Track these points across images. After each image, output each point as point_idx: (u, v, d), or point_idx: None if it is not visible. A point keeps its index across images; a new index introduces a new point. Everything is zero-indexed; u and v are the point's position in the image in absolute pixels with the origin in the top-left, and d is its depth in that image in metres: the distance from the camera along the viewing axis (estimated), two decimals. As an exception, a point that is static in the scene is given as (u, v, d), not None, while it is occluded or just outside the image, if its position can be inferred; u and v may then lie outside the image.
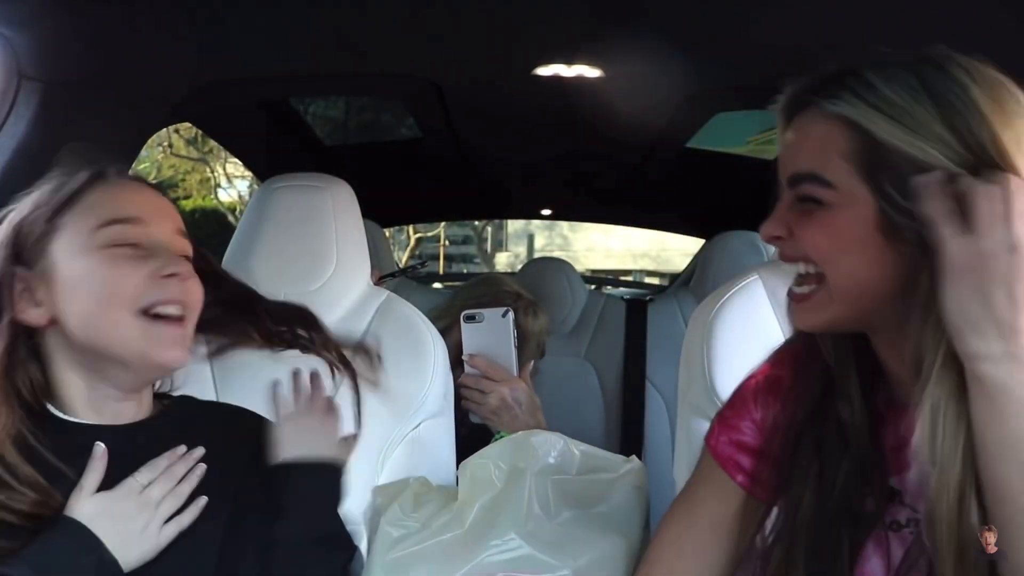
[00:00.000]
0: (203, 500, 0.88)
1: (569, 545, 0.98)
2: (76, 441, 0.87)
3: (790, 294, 0.77)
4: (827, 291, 0.72)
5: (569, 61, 1.49)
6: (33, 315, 0.86)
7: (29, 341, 0.88)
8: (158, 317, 0.87)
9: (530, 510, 0.99)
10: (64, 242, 0.86)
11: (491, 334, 1.34)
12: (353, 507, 1.14)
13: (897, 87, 0.67)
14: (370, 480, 1.20)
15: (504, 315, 1.34)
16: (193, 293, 0.91)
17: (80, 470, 0.84)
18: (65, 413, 0.89)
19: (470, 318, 1.34)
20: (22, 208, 0.89)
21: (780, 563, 0.77)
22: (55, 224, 0.87)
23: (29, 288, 0.86)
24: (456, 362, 1.36)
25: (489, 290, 1.73)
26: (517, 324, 1.49)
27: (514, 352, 1.35)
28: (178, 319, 0.88)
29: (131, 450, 0.89)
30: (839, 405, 0.77)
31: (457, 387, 1.35)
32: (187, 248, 0.93)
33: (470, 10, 1.24)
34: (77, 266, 0.85)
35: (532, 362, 1.42)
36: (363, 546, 1.09)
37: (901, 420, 0.74)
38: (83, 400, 0.89)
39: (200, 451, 0.91)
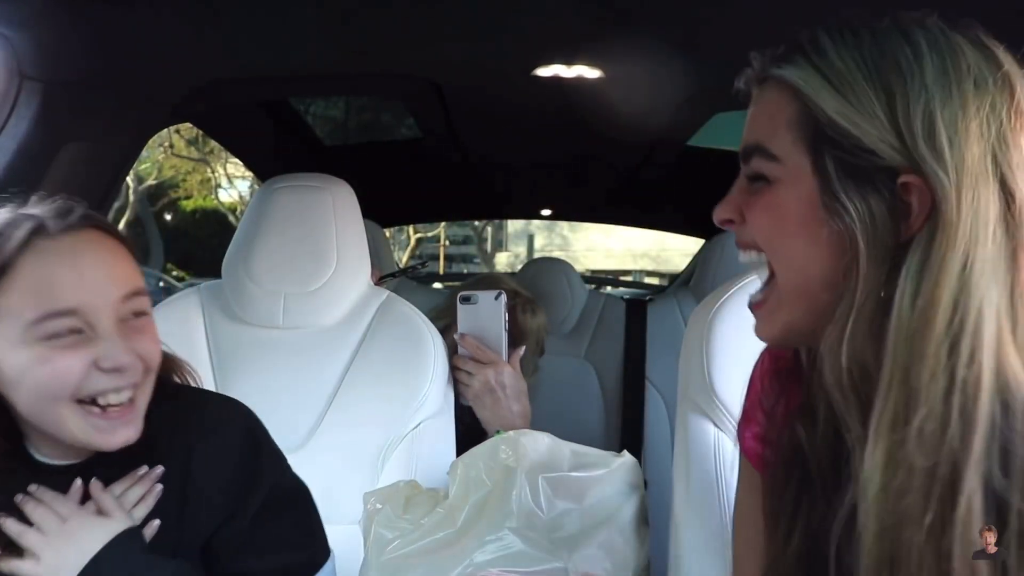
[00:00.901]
0: (156, 523, 0.85)
1: (562, 540, 0.98)
2: (52, 483, 0.84)
3: (750, 304, 0.71)
4: (776, 292, 0.66)
5: (569, 61, 1.49)
6: None
7: None
8: (101, 407, 0.82)
9: (522, 507, 0.99)
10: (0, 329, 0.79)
11: (483, 316, 1.38)
12: (352, 509, 1.14)
13: (846, 53, 0.60)
14: (370, 480, 1.20)
15: (496, 298, 1.37)
16: (149, 358, 0.85)
17: None
18: (39, 454, 0.87)
19: (465, 299, 1.38)
20: None
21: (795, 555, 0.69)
22: None
23: None
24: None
25: (487, 287, 1.73)
26: (515, 321, 1.50)
27: (504, 335, 1.38)
28: (127, 402, 0.83)
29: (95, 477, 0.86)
30: (797, 422, 0.69)
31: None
32: (143, 304, 0.86)
33: (470, 10, 1.24)
34: (13, 360, 0.79)
35: (523, 348, 1.44)
36: (360, 549, 1.09)
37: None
38: (55, 449, 0.86)
39: (159, 471, 0.87)
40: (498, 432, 1.31)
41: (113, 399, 0.82)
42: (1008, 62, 0.60)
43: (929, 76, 0.58)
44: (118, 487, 0.86)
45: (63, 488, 0.84)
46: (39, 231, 0.80)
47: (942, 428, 0.56)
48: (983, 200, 0.56)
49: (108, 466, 0.87)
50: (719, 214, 0.69)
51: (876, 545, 0.59)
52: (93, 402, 0.81)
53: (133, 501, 0.85)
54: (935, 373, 0.56)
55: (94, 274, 0.82)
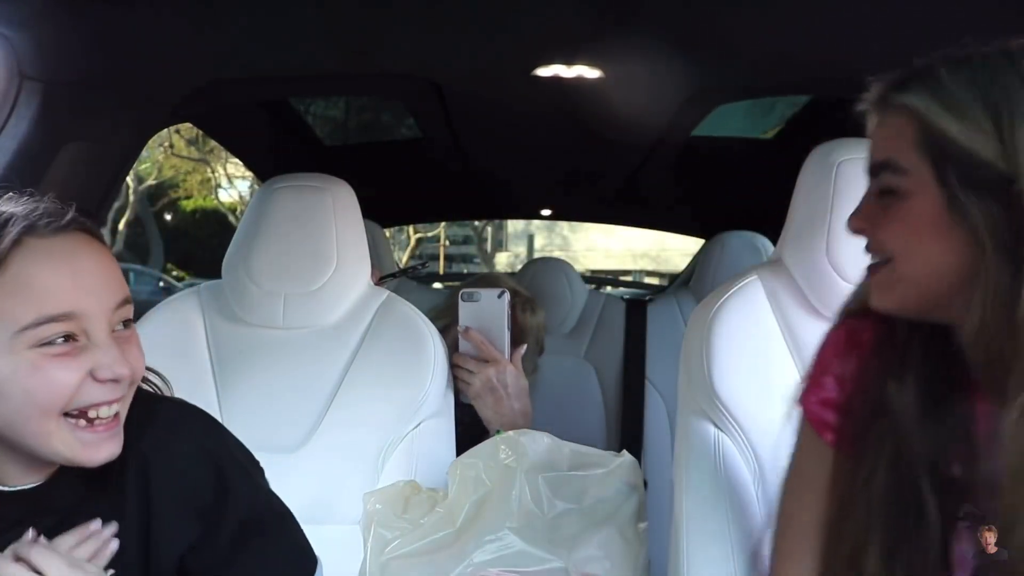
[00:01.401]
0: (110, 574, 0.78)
1: (562, 539, 0.98)
2: (13, 510, 0.78)
3: (868, 267, 0.80)
4: (896, 274, 0.75)
5: (569, 61, 1.49)
6: None
7: None
8: (89, 420, 0.76)
9: (522, 506, 1.00)
10: None
11: (486, 314, 1.37)
12: (352, 509, 1.14)
13: (961, 81, 0.70)
14: (370, 480, 1.20)
15: (500, 296, 1.37)
16: (137, 369, 0.80)
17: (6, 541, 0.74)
18: None
19: (468, 297, 1.38)
20: None
21: (856, 533, 0.77)
22: None
23: None
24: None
25: (487, 287, 1.74)
26: (515, 320, 1.50)
27: (507, 334, 1.37)
28: (113, 416, 0.78)
29: (52, 504, 0.80)
30: (889, 384, 0.78)
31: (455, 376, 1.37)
32: (130, 313, 0.81)
33: (470, 10, 1.24)
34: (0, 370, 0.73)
35: (524, 346, 1.44)
36: (360, 549, 1.09)
37: (987, 414, 0.75)
38: (15, 470, 0.79)
39: (113, 528, 0.79)
40: (498, 432, 1.32)
41: (103, 412, 0.77)
42: None
43: None
44: (67, 539, 0.76)
45: (13, 519, 0.77)
46: (30, 230, 0.75)
47: None
48: None
49: (62, 490, 0.81)
50: (854, 225, 0.79)
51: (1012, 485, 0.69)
52: (81, 415, 0.76)
53: (84, 558, 0.76)
54: None
55: (90, 279, 0.77)
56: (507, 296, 1.38)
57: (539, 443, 1.08)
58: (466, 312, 1.38)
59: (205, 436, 0.89)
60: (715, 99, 1.79)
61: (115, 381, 0.76)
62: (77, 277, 0.76)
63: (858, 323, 0.86)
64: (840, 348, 0.86)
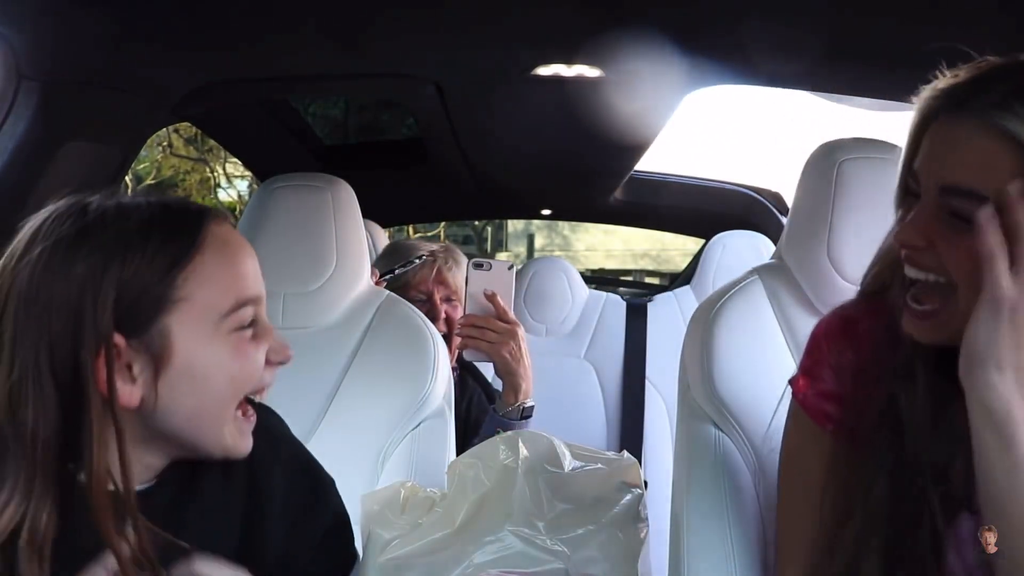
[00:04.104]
0: None
1: (562, 540, 0.98)
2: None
3: (911, 310, 0.74)
4: (955, 309, 0.70)
5: (569, 61, 1.49)
6: (124, 394, 0.70)
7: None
8: (245, 408, 0.77)
9: (522, 507, 0.99)
10: (186, 320, 0.71)
11: (495, 283, 1.41)
12: (352, 508, 1.14)
13: None
14: (370, 480, 1.20)
15: (509, 268, 1.43)
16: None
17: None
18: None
19: (478, 266, 1.42)
20: (124, 246, 0.69)
21: (854, 541, 0.76)
22: (175, 293, 0.70)
23: (122, 361, 0.70)
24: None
25: (400, 253, 1.74)
26: (441, 279, 1.64)
27: (512, 302, 1.43)
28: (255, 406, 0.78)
29: (155, 506, 0.76)
30: (897, 386, 0.76)
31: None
32: None
33: (470, 10, 1.24)
34: (202, 354, 0.72)
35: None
36: (359, 549, 1.09)
37: None
38: (119, 471, 0.72)
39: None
40: (518, 420, 1.38)
41: (259, 398, 0.78)
42: None
43: None
44: (223, 570, 0.73)
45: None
46: (213, 217, 0.76)
47: None
48: None
49: (165, 491, 0.77)
50: (907, 238, 0.72)
51: None
52: (247, 401, 0.76)
53: None
54: None
55: (256, 266, 0.78)
56: (515, 269, 1.43)
57: (539, 443, 1.07)
58: (476, 280, 1.41)
59: (298, 443, 0.92)
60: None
61: (283, 364, 0.78)
62: (254, 263, 0.78)
63: (851, 312, 0.85)
64: (835, 337, 0.84)
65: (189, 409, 0.73)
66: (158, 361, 0.71)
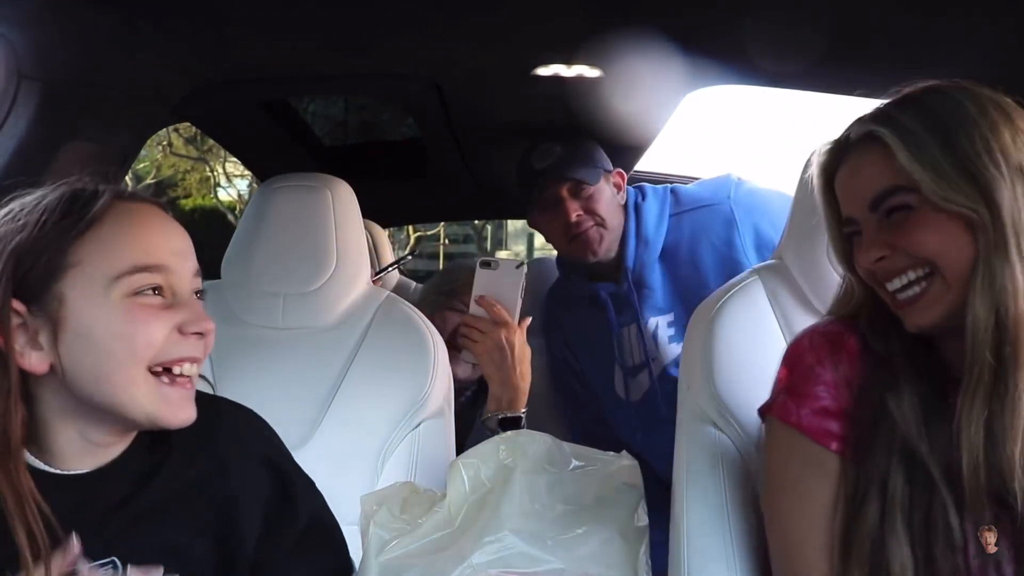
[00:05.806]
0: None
1: (562, 540, 0.98)
2: (67, 496, 0.76)
3: (898, 302, 0.80)
4: (942, 282, 0.76)
5: (569, 61, 1.49)
6: (32, 360, 0.75)
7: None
8: (172, 377, 0.78)
9: (522, 507, 0.99)
10: (78, 284, 0.75)
11: (502, 281, 1.43)
12: (351, 509, 1.14)
13: (911, 114, 0.78)
14: (370, 480, 1.20)
15: (518, 267, 1.43)
16: (210, 345, 0.83)
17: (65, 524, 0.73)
18: (43, 461, 0.78)
19: (486, 264, 1.43)
20: (24, 226, 0.76)
21: (874, 536, 0.77)
22: (67, 259, 0.75)
23: (29, 329, 0.75)
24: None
25: (461, 275, 1.75)
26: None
27: (519, 302, 1.43)
28: (190, 378, 0.80)
29: (109, 491, 0.80)
30: (888, 398, 0.79)
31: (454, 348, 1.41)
32: (200, 284, 0.84)
33: (470, 10, 1.24)
34: (93, 316, 0.74)
35: (531, 317, 1.48)
36: (359, 549, 1.09)
37: None
38: (71, 450, 0.79)
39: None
40: (495, 429, 1.32)
41: (187, 369, 0.79)
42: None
43: (969, 108, 0.77)
44: None
45: (72, 499, 0.76)
46: (120, 195, 0.80)
47: None
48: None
49: (116, 479, 0.80)
50: (870, 255, 0.80)
51: None
52: (165, 371, 0.78)
53: None
54: None
55: (176, 241, 0.81)
56: (524, 267, 1.43)
57: (539, 443, 1.07)
58: (483, 278, 1.42)
59: (269, 442, 0.92)
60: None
61: (200, 336, 0.79)
62: (165, 236, 0.80)
63: (832, 328, 0.86)
64: (823, 355, 0.84)
65: (90, 372, 0.75)
66: (55, 325, 0.74)
